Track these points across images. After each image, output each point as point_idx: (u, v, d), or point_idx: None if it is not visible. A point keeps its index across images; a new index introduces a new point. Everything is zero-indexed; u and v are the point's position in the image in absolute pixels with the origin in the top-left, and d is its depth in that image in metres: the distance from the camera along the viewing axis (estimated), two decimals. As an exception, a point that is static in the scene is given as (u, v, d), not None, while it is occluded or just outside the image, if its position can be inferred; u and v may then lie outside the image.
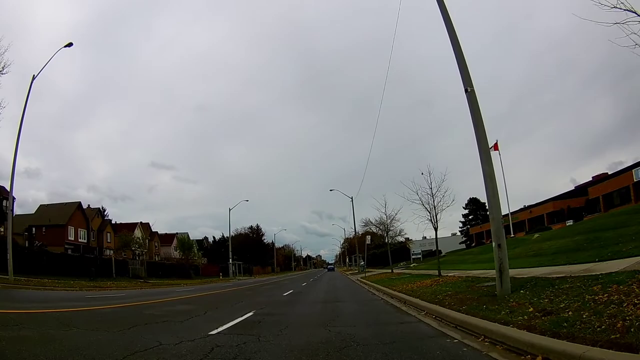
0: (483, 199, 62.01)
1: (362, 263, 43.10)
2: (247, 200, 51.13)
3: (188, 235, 75.37)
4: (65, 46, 18.42)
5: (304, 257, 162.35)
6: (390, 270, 29.01)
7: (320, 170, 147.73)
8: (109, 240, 52.99)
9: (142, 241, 46.87)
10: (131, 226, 55.81)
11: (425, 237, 61.54)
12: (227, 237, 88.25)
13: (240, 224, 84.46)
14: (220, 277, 45.29)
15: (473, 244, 59.10)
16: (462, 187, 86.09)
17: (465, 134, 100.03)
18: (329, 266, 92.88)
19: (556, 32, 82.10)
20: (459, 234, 68.49)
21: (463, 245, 63.08)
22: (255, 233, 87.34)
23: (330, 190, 43.69)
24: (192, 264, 47.58)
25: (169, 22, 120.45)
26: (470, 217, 67.16)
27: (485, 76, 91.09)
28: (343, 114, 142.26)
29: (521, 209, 51.15)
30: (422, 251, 41.78)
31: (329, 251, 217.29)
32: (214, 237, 56.70)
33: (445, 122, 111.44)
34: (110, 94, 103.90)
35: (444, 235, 59.01)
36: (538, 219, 46.31)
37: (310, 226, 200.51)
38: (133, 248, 45.45)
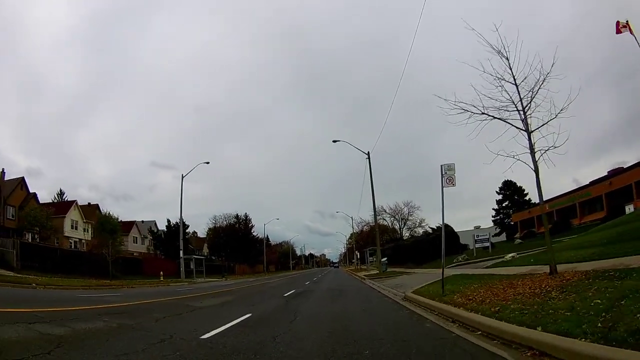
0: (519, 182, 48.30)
1: (384, 260, 27.38)
2: (208, 163, 33.94)
3: (155, 223, 59.99)
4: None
5: (307, 255, 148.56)
6: (439, 270, 12.97)
7: (321, 169, 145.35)
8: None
9: (43, 219, 31.38)
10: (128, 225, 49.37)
11: (480, 226, 50.89)
12: (209, 228, 74.44)
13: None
14: (162, 279, 29.57)
15: (517, 235, 46.47)
16: (467, 186, 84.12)
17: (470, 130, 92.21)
18: (333, 264, 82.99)
19: (558, 29, 75.51)
20: (488, 225, 54.52)
21: (502, 238, 50.08)
22: (241, 224, 71.42)
23: (335, 141, 27.87)
24: (118, 256, 31.79)
25: (168, 20, 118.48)
26: (505, 204, 54.20)
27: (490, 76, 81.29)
28: (344, 113, 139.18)
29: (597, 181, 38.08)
30: (478, 239, 25.54)
31: (333, 250, 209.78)
32: (168, 221, 41.61)
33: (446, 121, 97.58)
34: (110, 93, 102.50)
35: (466, 229, 43.51)
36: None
37: (313, 225, 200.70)
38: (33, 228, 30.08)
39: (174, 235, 40.40)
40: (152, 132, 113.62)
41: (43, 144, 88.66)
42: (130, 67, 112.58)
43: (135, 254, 49.74)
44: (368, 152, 28.30)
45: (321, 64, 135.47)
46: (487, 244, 25.34)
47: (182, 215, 35.72)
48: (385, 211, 66.98)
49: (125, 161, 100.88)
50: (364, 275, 26.15)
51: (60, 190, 56.64)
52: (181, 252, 34.21)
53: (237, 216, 71.00)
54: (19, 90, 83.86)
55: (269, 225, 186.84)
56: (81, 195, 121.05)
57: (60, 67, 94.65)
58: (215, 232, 69.80)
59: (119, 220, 41.07)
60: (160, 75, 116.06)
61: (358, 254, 54.02)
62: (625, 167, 36.51)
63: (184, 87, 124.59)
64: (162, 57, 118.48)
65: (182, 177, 35.55)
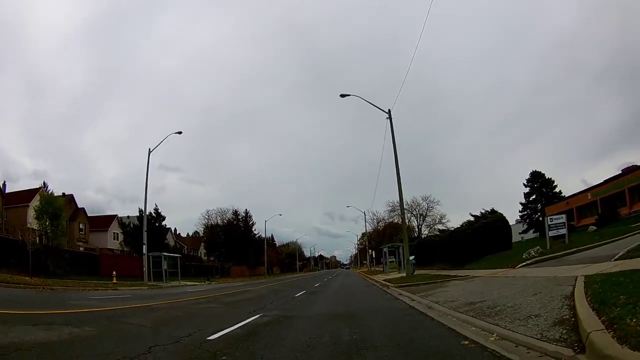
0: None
1: (412, 259, 19.61)
2: (180, 133, 26.26)
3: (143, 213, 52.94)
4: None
5: (316, 256, 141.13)
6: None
7: (329, 170, 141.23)
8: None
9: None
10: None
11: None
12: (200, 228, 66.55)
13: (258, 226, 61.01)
14: (114, 280, 22.09)
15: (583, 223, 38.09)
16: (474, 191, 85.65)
17: (477, 131, 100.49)
18: (344, 266, 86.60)
19: (564, 30, 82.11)
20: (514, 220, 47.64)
21: (531, 235, 43.25)
22: (241, 221, 63.88)
23: (342, 95, 19.93)
24: (63, 249, 24.37)
25: (172, 20, 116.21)
26: (533, 198, 47.34)
27: (493, 75, 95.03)
28: (350, 113, 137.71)
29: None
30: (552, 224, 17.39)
31: (344, 251, 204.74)
32: (140, 212, 33.79)
33: (454, 120, 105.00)
34: (115, 95, 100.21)
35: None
36: None
37: (323, 227, 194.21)
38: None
39: (148, 229, 33.23)
40: (158, 133, 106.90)
41: (48, 145, 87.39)
42: (135, 68, 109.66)
43: (116, 252, 42.99)
44: (389, 110, 20.45)
45: (327, 62, 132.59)
46: (563, 232, 17.25)
47: (148, 201, 28.60)
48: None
49: (132, 163, 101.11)
50: (385, 281, 18.29)
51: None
52: (144, 247, 26.76)
53: (235, 212, 63.32)
54: (23, 92, 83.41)
55: (277, 226, 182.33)
56: (88, 197, 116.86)
57: (64, 68, 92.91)
58: (212, 230, 62.31)
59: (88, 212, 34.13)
60: (166, 76, 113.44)
61: (372, 252, 45.94)
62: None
63: (189, 87, 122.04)
64: (167, 57, 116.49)
65: (149, 151, 28.32)
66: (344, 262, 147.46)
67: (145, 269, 26.75)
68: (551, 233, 17.47)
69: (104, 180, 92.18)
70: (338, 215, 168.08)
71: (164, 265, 30.83)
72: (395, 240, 39.46)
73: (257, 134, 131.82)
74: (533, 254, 15.61)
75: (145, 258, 27.08)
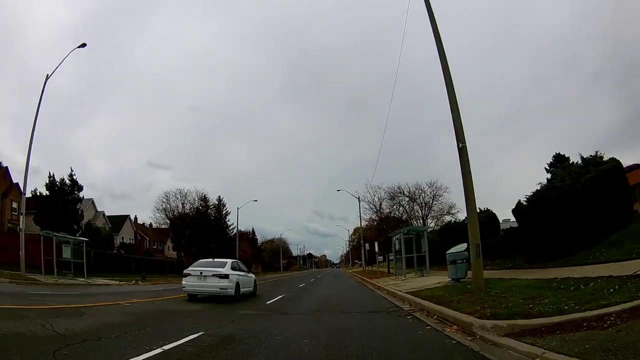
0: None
1: (463, 250, 9.40)
2: (84, 45, 16.37)
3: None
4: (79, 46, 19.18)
5: (305, 255, 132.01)
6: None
7: (319, 170, 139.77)
8: None
9: None
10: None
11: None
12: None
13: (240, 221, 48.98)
14: None
15: None
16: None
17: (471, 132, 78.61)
18: (335, 265, 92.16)
19: (558, 29, 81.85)
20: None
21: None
22: (214, 209, 53.28)
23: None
24: None
25: (164, 20, 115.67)
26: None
27: (489, 74, 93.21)
28: (339, 114, 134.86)
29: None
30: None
31: (333, 250, 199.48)
32: (51, 177, 22.77)
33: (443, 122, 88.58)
34: (106, 93, 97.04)
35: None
36: None
37: (312, 226, 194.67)
38: None
39: (63, 201, 22.80)
40: (149, 131, 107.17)
41: (40, 142, 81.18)
42: (126, 67, 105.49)
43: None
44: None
45: (316, 63, 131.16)
46: None
47: (33, 145, 18.08)
48: (403, 192, 48.82)
49: (122, 160, 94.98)
50: (394, 288, 8.46)
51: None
52: (20, 222, 16.59)
53: (204, 198, 52.41)
54: (16, 90, 79.19)
55: (266, 224, 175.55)
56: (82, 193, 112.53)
57: (55, 66, 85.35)
58: (174, 222, 51.12)
59: None
60: (156, 74, 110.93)
61: (368, 246, 35.78)
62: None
63: (179, 87, 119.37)
64: (159, 56, 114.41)
65: (47, 77, 18.49)
66: (334, 262, 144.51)
67: (22, 253, 16.54)
68: None
69: (93, 178, 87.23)
70: (327, 214, 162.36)
71: (66, 253, 20.54)
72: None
73: (246, 134, 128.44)
74: None
75: (21, 237, 16.83)
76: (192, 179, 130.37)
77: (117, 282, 20.88)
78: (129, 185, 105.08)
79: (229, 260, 11.97)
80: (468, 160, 9.38)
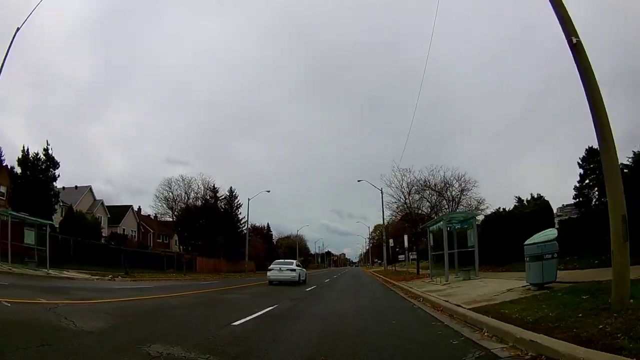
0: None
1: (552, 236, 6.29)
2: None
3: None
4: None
5: (323, 253, 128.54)
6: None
7: (336, 167, 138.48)
8: None
9: None
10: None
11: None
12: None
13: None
14: None
15: None
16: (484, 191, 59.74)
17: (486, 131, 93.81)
18: (353, 264, 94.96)
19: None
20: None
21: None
22: (224, 201, 49.86)
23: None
24: None
25: (181, 15, 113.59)
26: (588, 182, 32.62)
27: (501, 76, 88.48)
28: (356, 111, 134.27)
29: None
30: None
31: (353, 250, 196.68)
32: (25, 152, 20.13)
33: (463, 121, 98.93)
34: (124, 88, 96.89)
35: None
36: None
37: (332, 225, 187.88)
38: None
39: (36, 180, 19.55)
40: (165, 127, 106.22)
41: (57, 137, 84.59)
42: (144, 62, 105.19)
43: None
44: None
45: (333, 59, 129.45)
46: None
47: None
48: (429, 185, 43.38)
49: (140, 156, 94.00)
50: (472, 310, 4.15)
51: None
52: None
53: (213, 188, 48.88)
54: (32, 83, 78.01)
55: (284, 222, 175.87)
56: (96, 189, 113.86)
57: (72, 61, 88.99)
58: (179, 214, 47.96)
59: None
60: (174, 70, 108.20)
61: (392, 242, 31.08)
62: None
63: (197, 83, 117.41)
64: (175, 53, 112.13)
65: (17, 29, 14.81)
66: (353, 260, 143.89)
67: None
68: None
69: (110, 172, 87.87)
70: (346, 213, 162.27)
71: (29, 238, 17.23)
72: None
73: (263, 131, 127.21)
74: None
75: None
76: (209, 174, 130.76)
77: (89, 277, 17.46)
78: (146, 180, 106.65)
79: (294, 261, 20.73)
80: (588, 60, 5.11)
